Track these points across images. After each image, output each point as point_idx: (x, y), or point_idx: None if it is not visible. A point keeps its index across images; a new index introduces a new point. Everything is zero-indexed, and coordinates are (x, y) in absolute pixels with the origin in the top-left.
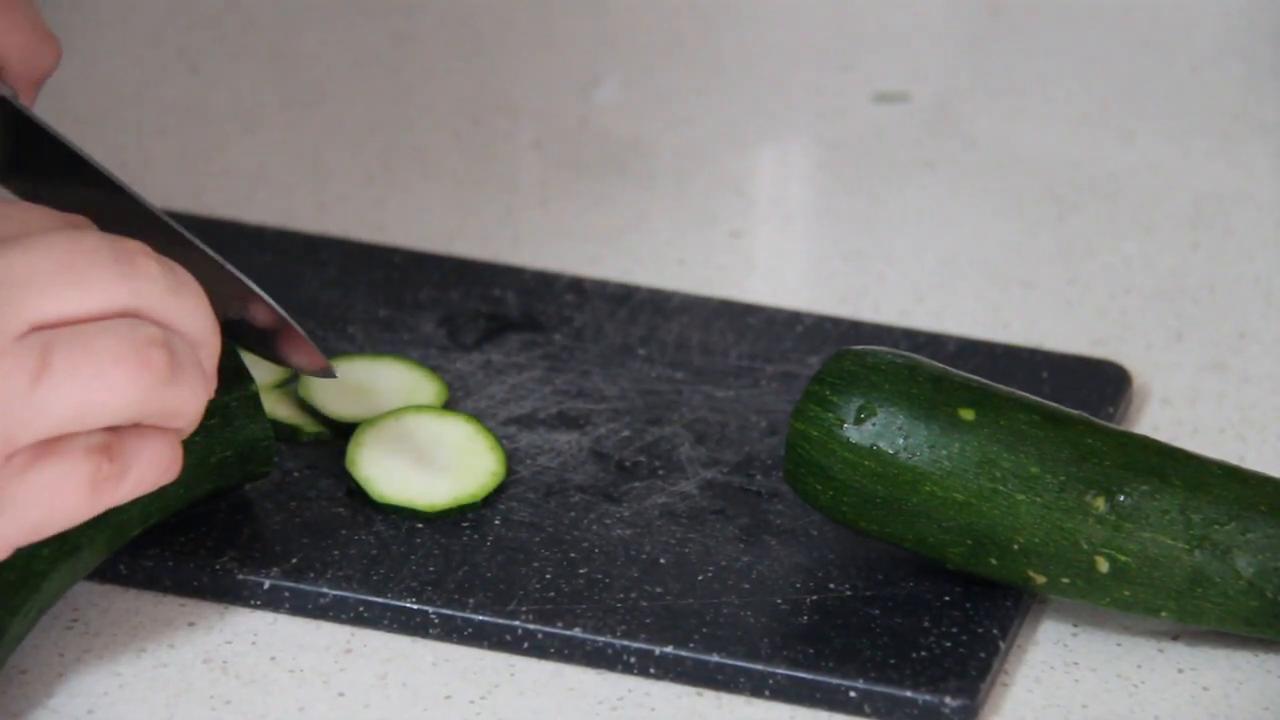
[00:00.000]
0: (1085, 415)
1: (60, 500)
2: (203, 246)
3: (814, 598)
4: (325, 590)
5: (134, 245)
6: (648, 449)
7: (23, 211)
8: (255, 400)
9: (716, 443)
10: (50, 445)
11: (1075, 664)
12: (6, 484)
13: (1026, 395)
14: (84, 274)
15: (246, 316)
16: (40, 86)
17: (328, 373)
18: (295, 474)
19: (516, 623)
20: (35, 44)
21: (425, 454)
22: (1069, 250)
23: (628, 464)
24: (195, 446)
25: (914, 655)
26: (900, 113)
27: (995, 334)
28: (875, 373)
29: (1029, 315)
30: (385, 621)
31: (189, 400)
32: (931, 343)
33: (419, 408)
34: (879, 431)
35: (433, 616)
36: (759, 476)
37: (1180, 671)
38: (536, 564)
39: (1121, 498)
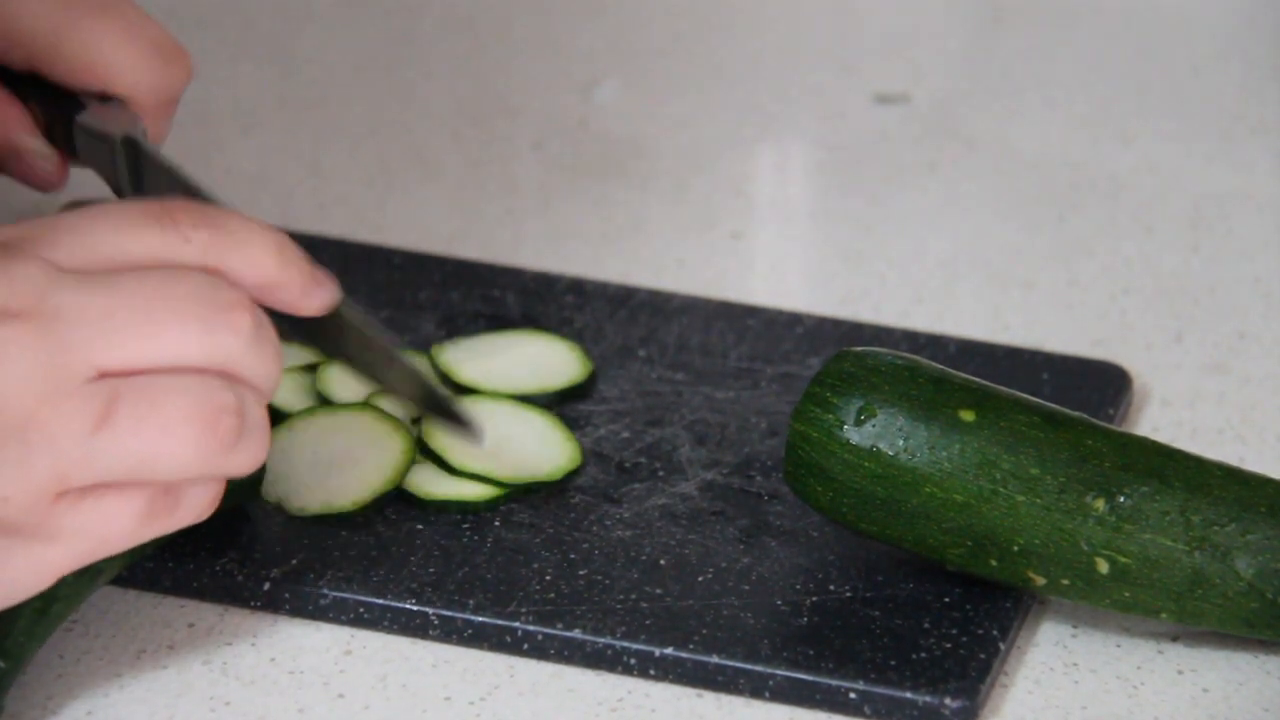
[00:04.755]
0: (1085, 416)
1: (110, 531)
2: (384, 339)
3: (814, 599)
4: (325, 591)
5: (230, 297)
6: (648, 450)
7: (112, 224)
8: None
9: (716, 444)
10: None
11: (1075, 665)
12: (57, 517)
13: (1027, 397)
14: (166, 325)
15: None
16: (173, 109)
17: (478, 439)
18: None
19: (516, 624)
20: (162, 65)
21: (504, 435)
22: (1069, 251)
23: (628, 465)
24: None
25: (914, 656)
26: (901, 114)
27: (995, 335)
28: (875, 374)
29: (1029, 316)
30: (385, 623)
31: (248, 461)
32: (932, 344)
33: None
34: (879, 433)
35: (432, 618)
36: (759, 478)
37: (1180, 673)
38: (536, 565)
39: (1121, 499)
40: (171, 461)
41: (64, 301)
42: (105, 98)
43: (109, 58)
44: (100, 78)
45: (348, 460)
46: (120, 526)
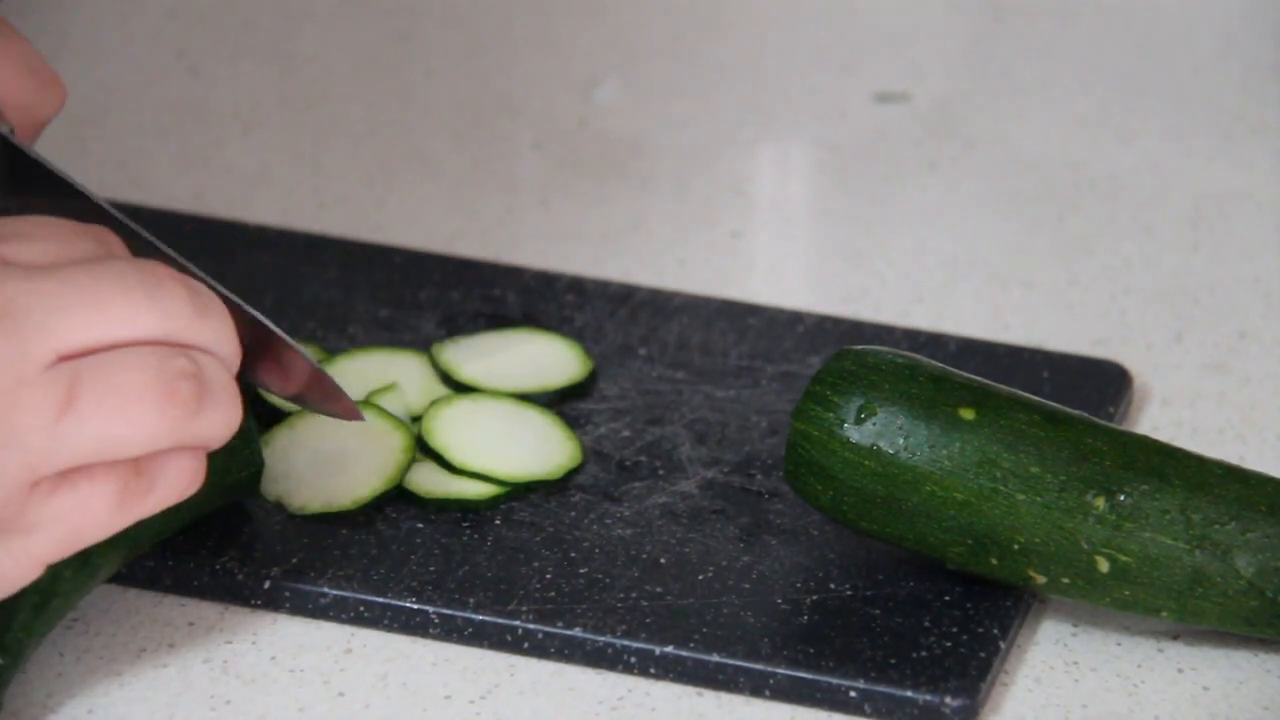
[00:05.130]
0: (1085, 415)
1: (88, 517)
2: (222, 290)
3: (814, 597)
4: (325, 590)
5: (161, 270)
6: (648, 449)
7: (49, 231)
8: (244, 428)
9: (717, 443)
10: (77, 468)
11: (1075, 664)
12: (34, 507)
13: (1027, 395)
14: (111, 301)
15: (268, 359)
16: (41, 130)
17: (356, 417)
18: None
19: (517, 622)
20: (35, 90)
21: (504, 434)
22: (1069, 250)
23: (628, 464)
24: (214, 466)
25: (914, 655)
26: (901, 113)
27: (996, 334)
28: (876, 373)
29: (1029, 315)
30: (385, 621)
31: (219, 425)
32: (932, 343)
33: (498, 393)
34: (879, 431)
35: (433, 616)
36: (759, 476)
37: (1180, 671)
38: (537, 564)
39: (1122, 497)
40: (138, 435)
41: (12, 292)
42: None
43: None
44: None
45: (348, 459)
46: (97, 511)
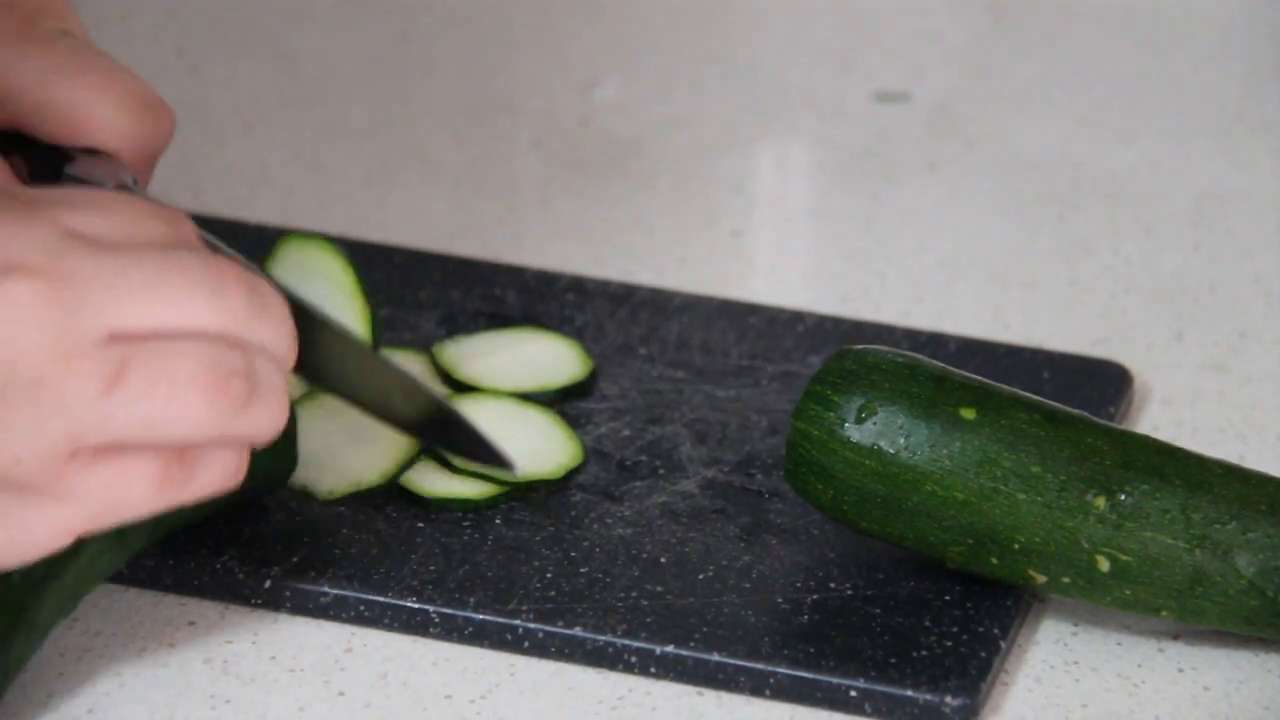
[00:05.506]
0: (1086, 415)
1: (125, 494)
2: (381, 357)
3: (815, 597)
4: (326, 589)
5: (226, 266)
6: (648, 448)
7: (121, 208)
8: (293, 426)
9: (717, 442)
10: (118, 446)
11: (1076, 663)
12: (72, 476)
13: (1027, 395)
14: (172, 289)
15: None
16: (154, 165)
17: (506, 466)
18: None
19: (517, 622)
20: (148, 124)
21: (505, 433)
22: (1070, 250)
23: (628, 463)
24: (255, 460)
25: (914, 654)
26: (901, 113)
27: (996, 334)
28: (876, 372)
29: (1030, 315)
30: (386, 621)
31: (264, 424)
32: (932, 342)
33: (499, 392)
34: (880, 431)
35: (433, 615)
36: (760, 476)
37: (1181, 671)
38: (537, 563)
39: (1122, 497)
40: (183, 423)
41: (78, 264)
42: (92, 151)
43: (94, 113)
44: (86, 133)
45: (364, 436)
46: (135, 490)
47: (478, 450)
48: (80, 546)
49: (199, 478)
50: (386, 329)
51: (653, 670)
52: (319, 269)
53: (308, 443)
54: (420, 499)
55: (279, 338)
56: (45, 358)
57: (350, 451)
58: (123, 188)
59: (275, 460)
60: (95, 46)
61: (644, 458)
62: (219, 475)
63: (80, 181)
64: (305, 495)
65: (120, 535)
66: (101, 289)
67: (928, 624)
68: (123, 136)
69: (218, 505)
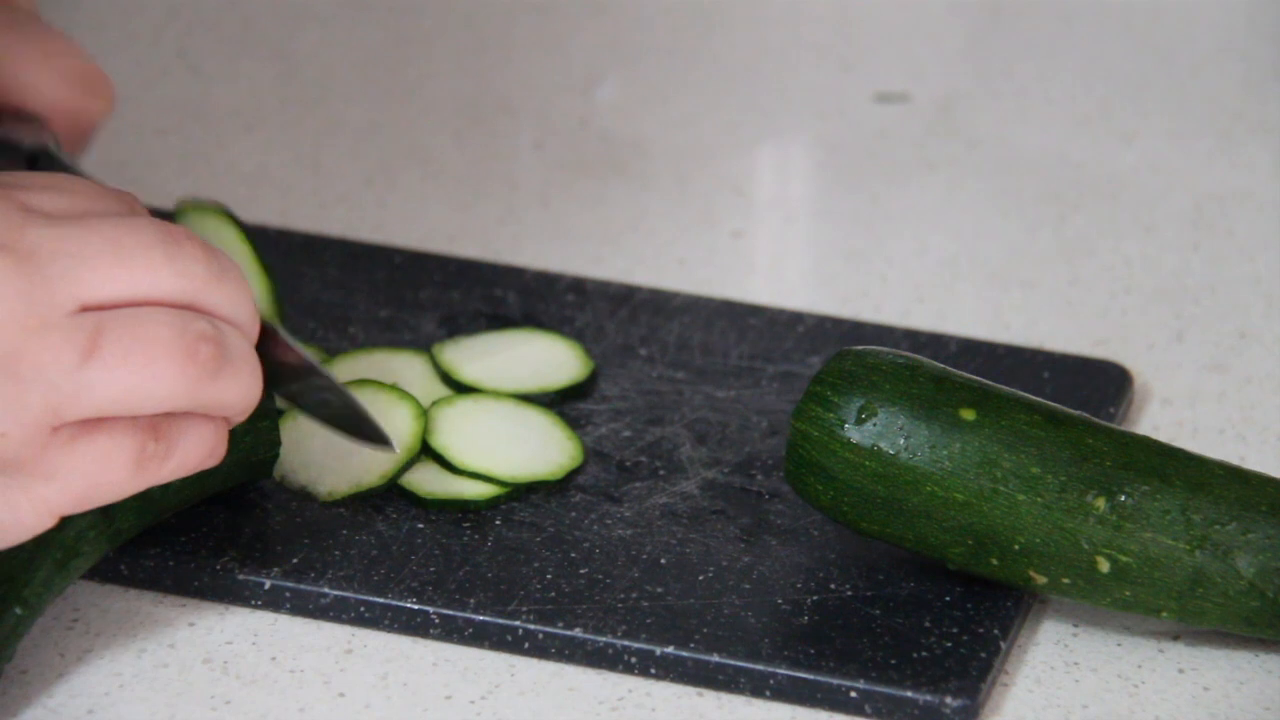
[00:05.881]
0: (1086, 415)
1: (106, 473)
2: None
3: (815, 598)
4: (326, 590)
5: (180, 231)
6: (649, 449)
7: (76, 186)
8: (267, 407)
9: (717, 443)
10: (99, 420)
11: (1076, 664)
12: (54, 454)
13: (1027, 395)
14: (132, 256)
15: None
16: (91, 136)
17: (388, 446)
18: None
19: (517, 623)
20: (81, 95)
21: (505, 434)
22: (1070, 250)
23: (629, 464)
24: (237, 442)
25: (915, 655)
26: (901, 113)
27: (996, 334)
28: (876, 373)
29: (1030, 315)
30: (386, 622)
31: (237, 393)
32: (932, 343)
33: (499, 393)
34: (880, 432)
35: (433, 617)
36: (760, 477)
37: (1181, 672)
38: (537, 564)
39: (1122, 498)
40: (159, 390)
41: (38, 238)
42: (22, 115)
43: (25, 79)
44: (17, 96)
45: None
46: (116, 468)
47: (359, 425)
48: (65, 521)
49: (177, 453)
50: (387, 329)
51: (653, 671)
52: (217, 239)
53: (308, 443)
54: (420, 499)
55: (240, 303)
56: (18, 331)
57: (349, 456)
58: (42, 149)
59: (259, 442)
60: (41, 19)
61: (644, 459)
62: (197, 451)
63: (2, 144)
64: (305, 496)
65: (106, 512)
66: (64, 259)
67: (928, 625)
68: (55, 105)
69: (206, 490)
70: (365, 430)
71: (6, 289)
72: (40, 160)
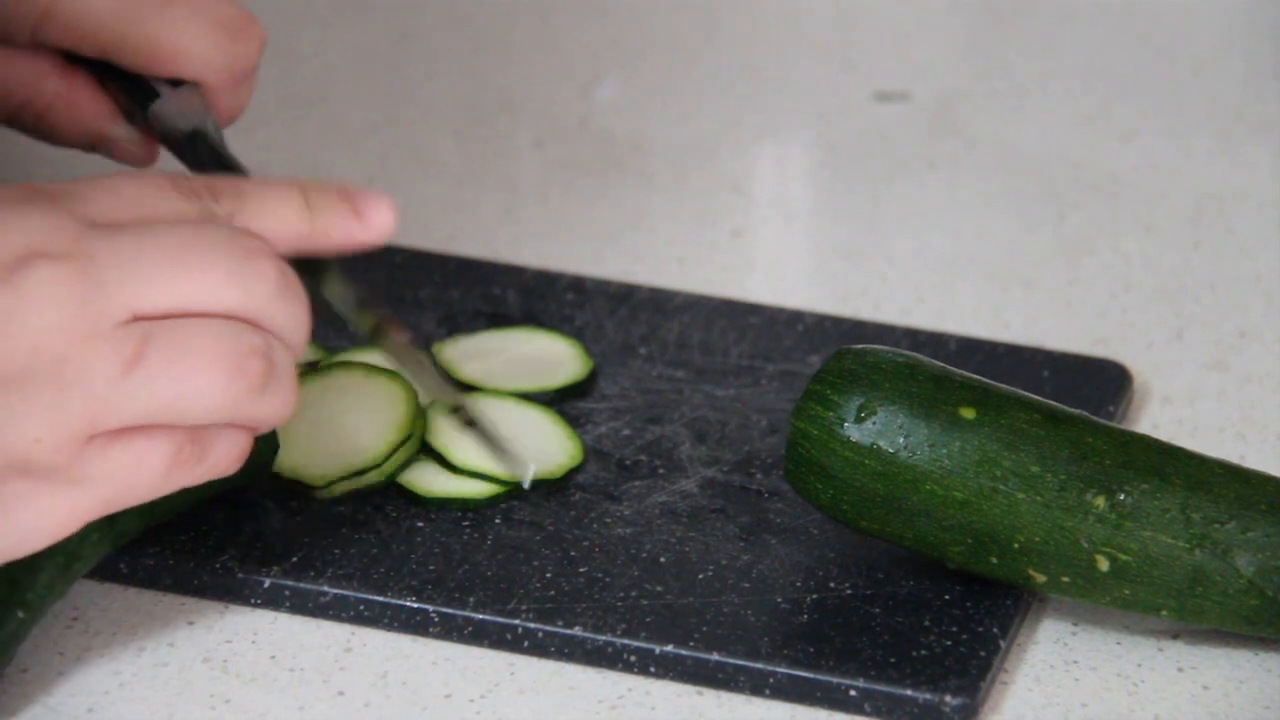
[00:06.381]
0: (1086, 414)
1: (138, 477)
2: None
3: (814, 596)
4: (325, 589)
5: (255, 244)
6: (648, 448)
7: (150, 192)
8: None
9: (717, 442)
10: (136, 427)
11: (1075, 663)
12: (86, 460)
13: (1027, 394)
14: (194, 269)
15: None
16: (251, 81)
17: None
18: None
19: (517, 621)
20: (230, 43)
21: (505, 433)
22: (1070, 249)
23: (628, 463)
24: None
25: (914, 654)
26: (901, 112)
27: (996, 333)
28: (876, 372)
29: (1030, 314)
30: (385, 620)
31: (275, 409)
32: (932, 342)
33: (499, 392)
34: (879, 430)
35: (433, 615)
36: (759, 475)
37: (1180, 670)
38: (537, 563)
39: (1122, 496)
40: (201, 403)
41: (98, 246)
42: (178, 82)
43: (176, 44)
44: (170, 64)
45: (350, 422)
46: (147, 473)
47: (496, 450)
48: None
49: (208, 459)
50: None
51: (652, 670)
52: None
53: (292, 429)
54: (420, 499)
55: (298, 323)
56: (67, 339)
57: (338, 437)
58: (199, 130)
59: (263, 446)
60: None
61: (644, 457)
62: (227, 457)
63: (163, 122)
64: (305, 495)
65: (109, 515)
66: (121, 269)
67: (927, 624)
68: (208, 65)
69: (208, 493)
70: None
71: (61, 298)
72: (196, 141)
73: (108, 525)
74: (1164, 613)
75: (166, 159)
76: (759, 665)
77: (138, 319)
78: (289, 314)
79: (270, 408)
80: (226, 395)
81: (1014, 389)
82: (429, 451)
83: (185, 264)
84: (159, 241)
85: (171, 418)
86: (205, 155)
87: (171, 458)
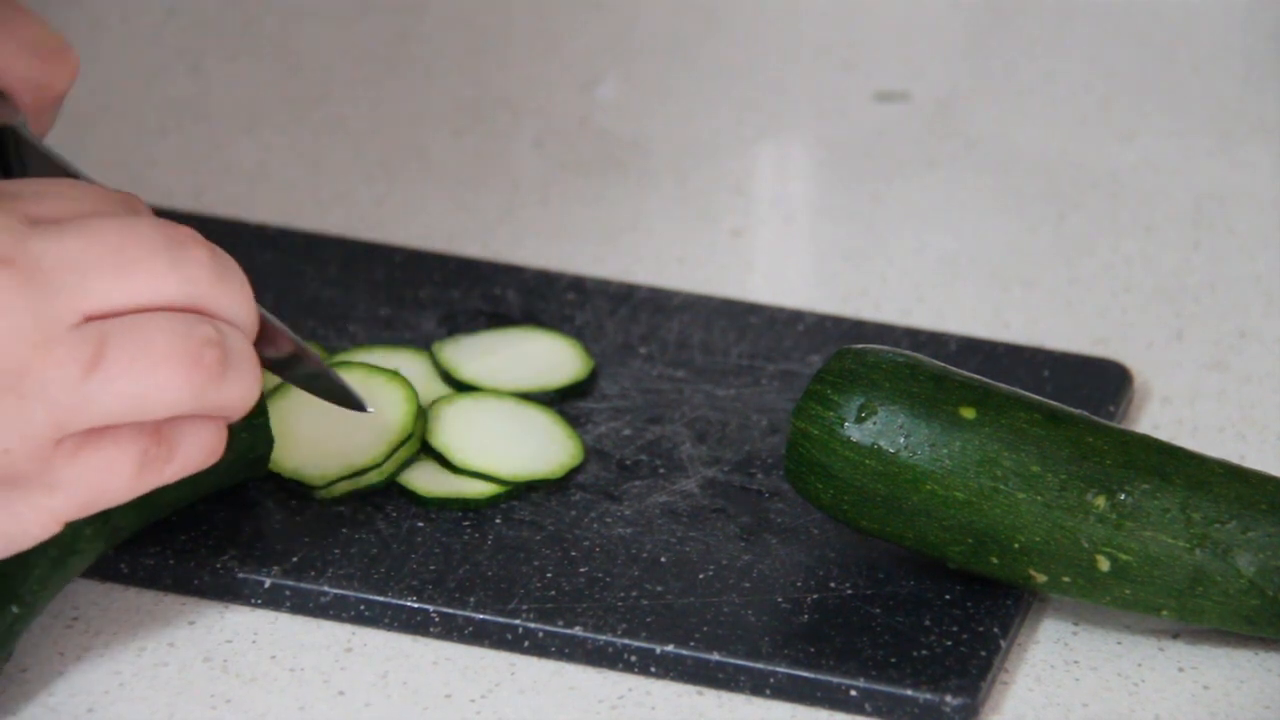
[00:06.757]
0: (1086, 414)
1: (110, 480)
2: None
3: (815, 596)
4: (326, 589)
5: (185, 232)
6: (649, 447)
7: (76, 190)
8: (262, 404)
9: (717, 441)
10: (102, 429)
11: (1076, 663)
12: (58, 465)
13: (1027, 394)
14: (136, 262)
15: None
16: (57, 107)
17: (361, 408)
18: None
19: (517, 621)
20: (43, 64)
21: (505, 433)
22: (1070, 249)
23: (629, 462)
24: (234, 441)
25: (915, 654)
26: (901, 112)
27: (996, 333)
28: (876, 371)
29: (1030, 314)
30: (386, 620)
31: (240, 394)
32: (932, 341)
33: (499, 391)
34: (880, 430)
35: (433, 615)
36: (760, 475)
37: (1181, 670)
38: (537, 563)
39: (1122, 496)
40: (163, 398)
41: (43, 248)
42: None
43: None
44: None
45: (354, 423)
46: (119, 474)
47: (333, 391)
48: None
49: (179, 456)
50: (386, 328)
51: (653, 670)
52: None
53: (293, 429)
54: (420, 498)
55: (242, 305)
56: (25, 346)
57: (338, 437)
58: (9, 128)
59: (256, 439)
60: None
61: (644, 457)
62: (198, 452)
63: None
64: (305, 495)
65: (103, 511)
66: (68, 270)
67: (928, 623)
68: (20, 80)
69: (205, 489)
70: (341, 395)
71: (14, 305)
72: (8, 139)
73: (102, 521)
74: (1164, 613)
75: None
76: (759, 665)
77: (89, 319)
78: (231, 295)
79: (234, 393)
80: (187, 388)
81: (1014, 389)
82: (429, 451)
83: (127, 258)
84: (99, 237)
85: (136, 415)
86: (23, 150)
87: (140, 458)
